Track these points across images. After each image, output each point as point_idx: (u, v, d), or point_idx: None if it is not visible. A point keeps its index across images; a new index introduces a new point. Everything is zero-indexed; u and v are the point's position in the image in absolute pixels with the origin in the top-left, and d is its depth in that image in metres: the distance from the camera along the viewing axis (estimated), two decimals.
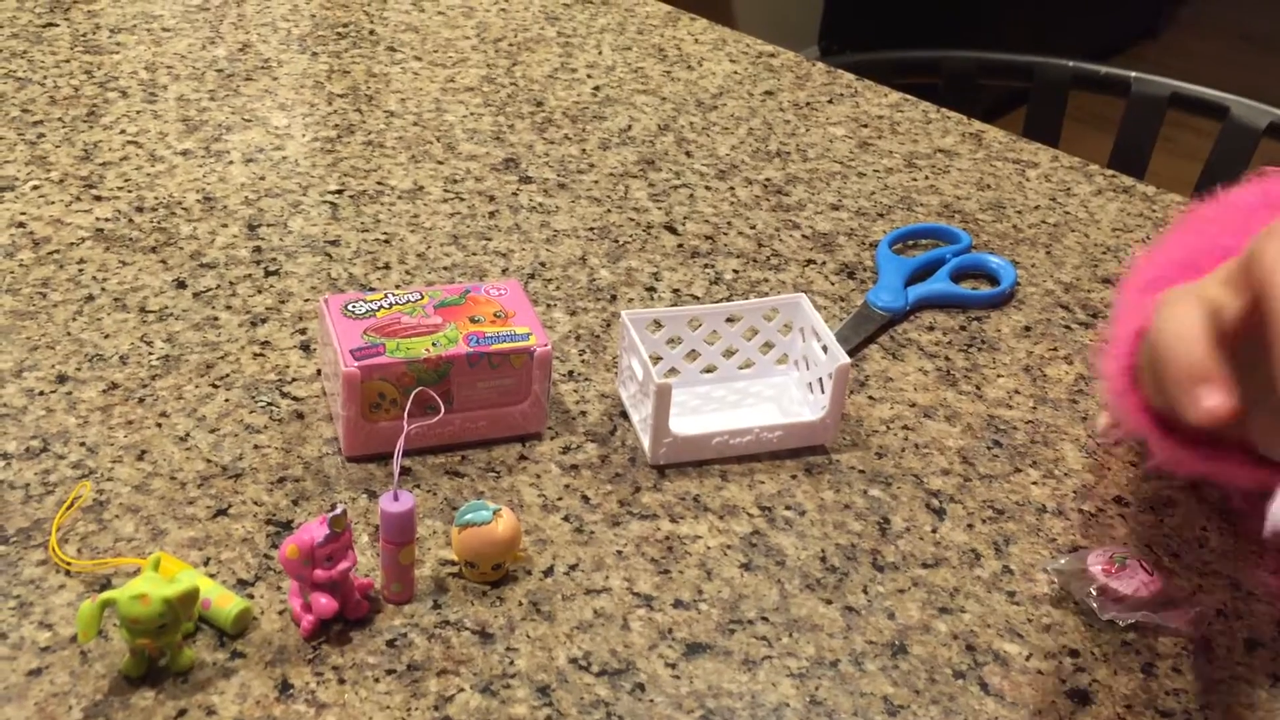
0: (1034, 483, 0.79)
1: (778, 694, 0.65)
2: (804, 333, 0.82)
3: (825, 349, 0.79)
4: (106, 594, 0.60)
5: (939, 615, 0.70)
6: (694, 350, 0.83)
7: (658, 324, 0.81)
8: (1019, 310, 0.94)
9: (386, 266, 0.92)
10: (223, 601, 0.65)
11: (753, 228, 1.00)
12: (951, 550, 0.74)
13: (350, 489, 0.74)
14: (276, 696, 0.62)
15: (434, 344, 0.74)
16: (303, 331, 0.85)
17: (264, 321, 0.86)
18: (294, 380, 0.81)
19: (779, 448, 0.79)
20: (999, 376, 0.88)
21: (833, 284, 0.95)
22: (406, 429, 0.68)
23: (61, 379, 0.79)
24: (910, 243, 1.01)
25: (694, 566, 0.71)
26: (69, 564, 0.67)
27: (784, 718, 0.64)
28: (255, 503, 0.72)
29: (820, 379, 0.80)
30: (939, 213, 1.04)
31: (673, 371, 0.83)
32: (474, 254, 0.94)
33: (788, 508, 0.76)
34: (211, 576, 0.67)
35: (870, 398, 0.85)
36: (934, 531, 0.75)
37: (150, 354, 0.82)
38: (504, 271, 0.93)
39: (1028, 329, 0.92)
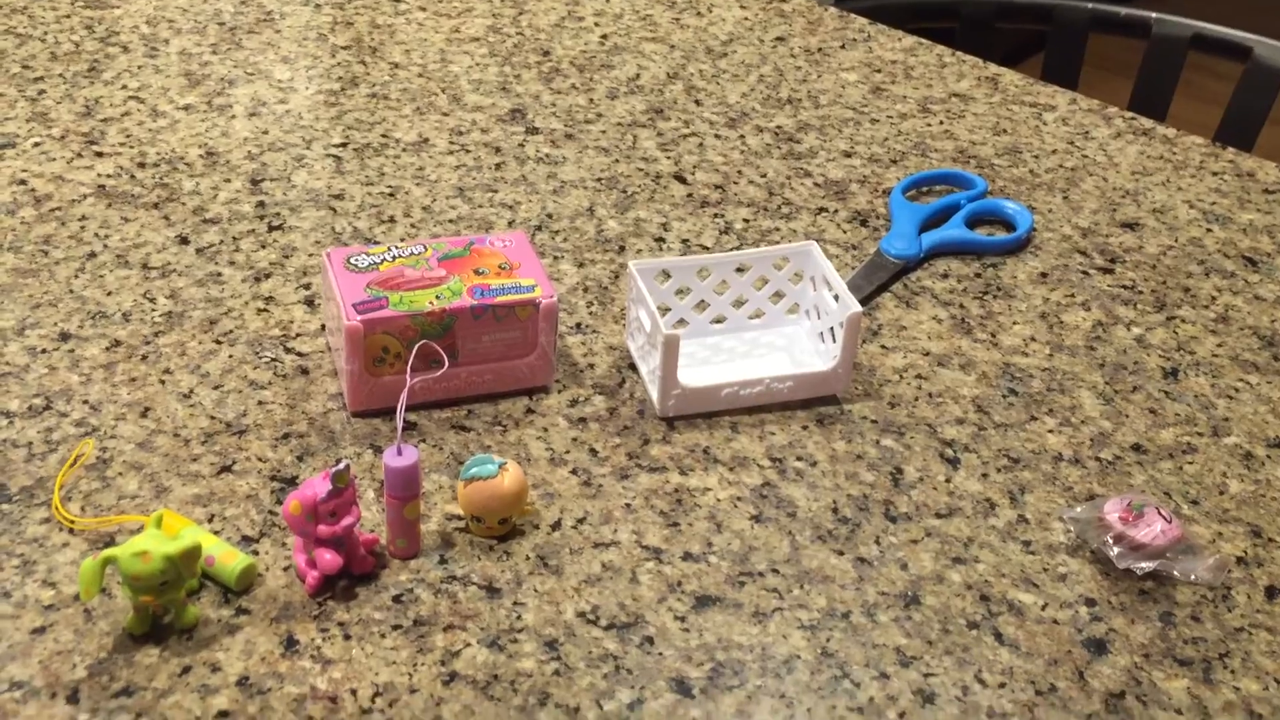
0: (1050, 431, 0.78)
1: (788, 646, 0.64)
2: (815, 281, 0.81)
3: (837, 297, 0.78)
4: (107, 551, 0.60)
5: (952, 565, 0.69)
6: (703, 300, 0.81)
7: (666, 274, 0.80)
8: (1035, 256, 0.93)
9: (392, 220, 0.91)
10: (227, 558, 0.64)
11: (763, 176, 0.98)
12: (965, 500, 0.73)
13: (355, 444, 0.73)
14: (282, 653, 0.62)
15: (438, 297, 0.73)
16: (307, 286, 0.84)
17: (267, 277, 0.85)
18: (298, 335, 0.80)
19: (790, 398, 0.78)
20: (1015, 324, 0.86)
21: (845, 232, 0.93)
22: (410, 383, 0.67)
23: (64, 336, 0.79)
24: (924, 189, 0.99)
25: (703, 519, 0.70)
26: (72, 522, 0.67)
27: (795, 669, 0.63)
28: (259, 459, 0.72)
29: (832, 328, 0.78)
30: (954, 158, 1.02)
31: (681, 322, 0.81)
32: (480, 206, 0.93)
33: (799, 459, 0.74)
34: (216, 533, 0.67)
35: (883, 347, 0.83)
36: (948, 481, 0.74)
37: (153, 310, 0.81)
38: (511, 224, 0.91)
39: (1044, 275, 0.91)
